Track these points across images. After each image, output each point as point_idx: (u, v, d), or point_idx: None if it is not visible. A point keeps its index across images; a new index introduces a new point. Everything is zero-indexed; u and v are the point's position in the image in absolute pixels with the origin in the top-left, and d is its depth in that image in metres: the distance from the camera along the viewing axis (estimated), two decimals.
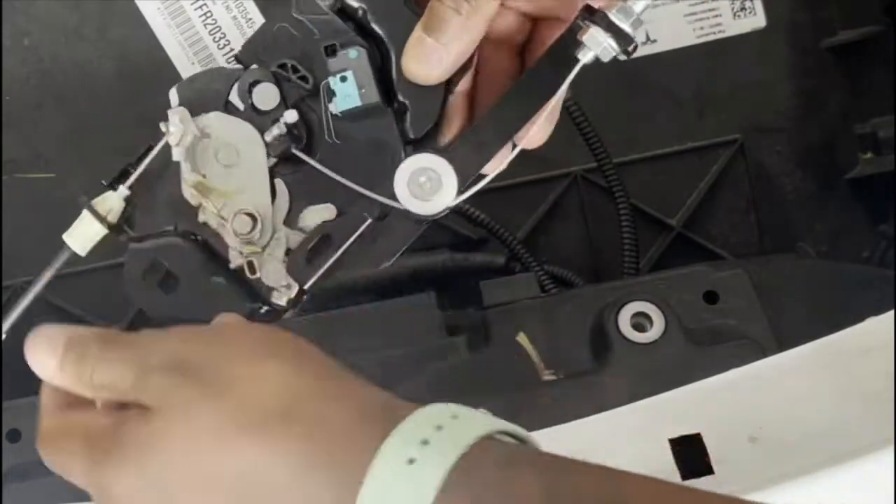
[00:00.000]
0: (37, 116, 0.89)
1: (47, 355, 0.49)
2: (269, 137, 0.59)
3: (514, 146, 0.59)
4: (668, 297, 0.65)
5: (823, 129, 0.94)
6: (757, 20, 0.92)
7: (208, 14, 0.88)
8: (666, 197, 0.92)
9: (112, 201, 0.60)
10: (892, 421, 0.53)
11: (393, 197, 0.59)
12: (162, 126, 0.60)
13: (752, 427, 0.54)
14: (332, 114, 0.60)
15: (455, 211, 0.86)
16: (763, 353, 0.63)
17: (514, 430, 0.45)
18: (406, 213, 0.58)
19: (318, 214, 0.60)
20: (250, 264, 0.59)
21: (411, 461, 0.42)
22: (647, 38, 0.91)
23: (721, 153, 0.93)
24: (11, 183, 0.88)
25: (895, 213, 0.89)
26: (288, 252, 0.59)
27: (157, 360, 0.47)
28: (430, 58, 0.56)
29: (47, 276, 0.61)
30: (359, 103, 0.58)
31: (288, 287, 0.59)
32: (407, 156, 0.59)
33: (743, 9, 0.92)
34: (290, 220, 0.60)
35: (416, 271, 0.85)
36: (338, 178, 0.59)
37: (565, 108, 0.83)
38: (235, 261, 0.60)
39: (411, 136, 0.60)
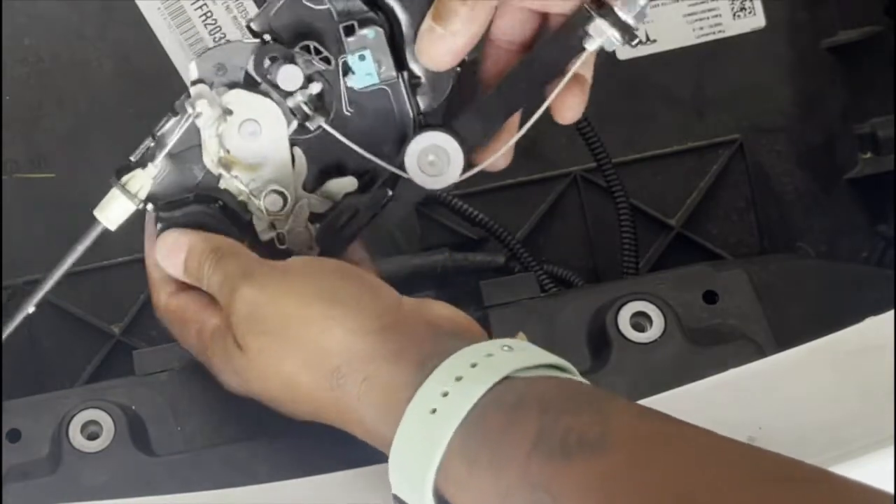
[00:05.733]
0: (37, 116, 0.89)
1: (175, 258, 0.62)
2: (291, 104, 0.61)
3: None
4: (668, 297, 0.65)
5: (823, 129, 0.94)
6: (757, 20, 0.92)
7: (208, 14, 0.88)
8: (666, 197, 0.92)
9: (142, 179, 0.62)
10: (892, 421, 0.53)
11: (401, 165, 0.62)
12: (187, 106, 0.61)
13: (752, 427, 0.54)
14: (348, 87, 0.62)
15: (455, 211, 0.86)
16: (763, 353, 0.63)
17: (546, 360, 0.52)
18: (411, 182, 0.62)
19: (340, 185, 0.63)
20: (280, 236, 0.63)
21: (433, 411, 0.50)
22: (647, 38, 0.91)
23: (721, 153, 0.93)
24: (11, 183, 0.88)
25: (895, 213, 0.89)
26: (310, 217, 0.63)
27: (237, 314, 0.57)
28: (440, 46, 0.60)
29: (80, 249, 0.63)
30: (377, 81, 0.61)
31: (311, 250, 0.64)
32: (416, 126, 0.62)
33: (743, 9, 0.92)
34: (307, 183, 0.64)
35: (416, 271, 0.85)
36: (356, 147, 0.62)
37: None
38: (264, 235, 0.63)
39: (422, 108, 0.62)
